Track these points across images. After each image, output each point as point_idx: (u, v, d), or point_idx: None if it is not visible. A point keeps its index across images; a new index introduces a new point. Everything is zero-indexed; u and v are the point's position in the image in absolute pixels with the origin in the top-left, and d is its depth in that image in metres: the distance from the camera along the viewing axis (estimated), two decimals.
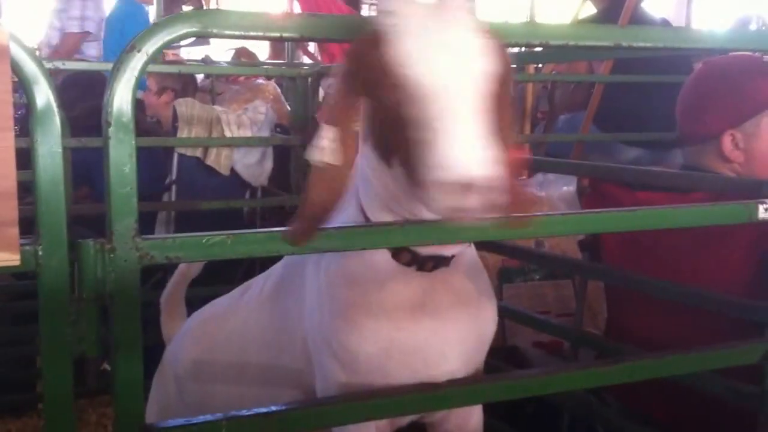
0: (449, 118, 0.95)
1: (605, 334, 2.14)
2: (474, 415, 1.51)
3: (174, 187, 3.66)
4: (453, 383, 1.29)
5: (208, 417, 1.00)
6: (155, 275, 3.59)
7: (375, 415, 1.21)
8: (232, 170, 3.71)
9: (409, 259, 1.25)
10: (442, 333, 1.32)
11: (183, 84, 4.18)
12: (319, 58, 5.23)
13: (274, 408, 1.05)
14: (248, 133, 3.68)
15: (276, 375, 1.51)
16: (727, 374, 1.49)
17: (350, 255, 1.27)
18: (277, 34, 1.05)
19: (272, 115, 3.92)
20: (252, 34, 1.05)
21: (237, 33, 1.04)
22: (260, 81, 5.02)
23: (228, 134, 3.62)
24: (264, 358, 1.53)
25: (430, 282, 1.30)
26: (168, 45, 0.98)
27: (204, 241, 0.99)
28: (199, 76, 4.83)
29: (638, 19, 3.52)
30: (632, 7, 3.37)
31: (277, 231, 1.04)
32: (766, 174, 1.83)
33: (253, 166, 3.76)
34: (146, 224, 3.52)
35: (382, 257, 1.27)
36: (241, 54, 6.10)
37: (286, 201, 3.60)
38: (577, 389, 1.91)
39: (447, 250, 1.26)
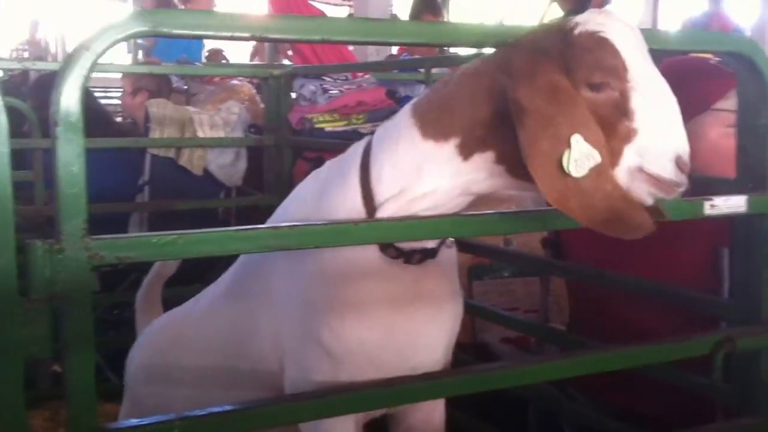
0: (672, 106, 1.14)
1: (568, 328, 2.17)
2: (438, 409, 1.53)
3: (147, 188, 3.65)
4: (423, 377, 1.31)
5: (161, 417, 1.01)
6: (130, 275, 3.59)
7: (332, 413, 1.22)
8: (206, 170, 3.71)
9: (396, 252, 1.28)
10: (429, 324, 1.37)
11: (158, 85, 4.18)
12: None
13: (228, 407, 1.06)
14: (221, 134, 3.69)
15: (237, 377, 1.50)
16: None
17: (337, 249, 1.28)
18: (228, 34, 1.06)
19: (246, 116, 3.92)
20: (202, 33, 1.06)
21: (188, 32, 1.05)
22: (235, 82, 5.01)
23: (201, 135, 3.62)
24: (223, 360, 1.52)
25: (418, 275, 1.32)
26: (117, 44, 0.99)
27: (155, 240, 1.00)
28: (173, 77, 4.83)
29: None
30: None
31: (229, 230, 1.05)
32: (709, 172, 1.86)
33: (227, 166, 3.76)
34: (119, 226, 3.53)
35: (371, 251, 1.29)
36: (213, 55, 6.12)
37: (260, 201, 3.61)
38: (540, 383, 1.95)
39: (429, 243, 1.29)
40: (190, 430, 1.02)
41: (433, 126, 1.23)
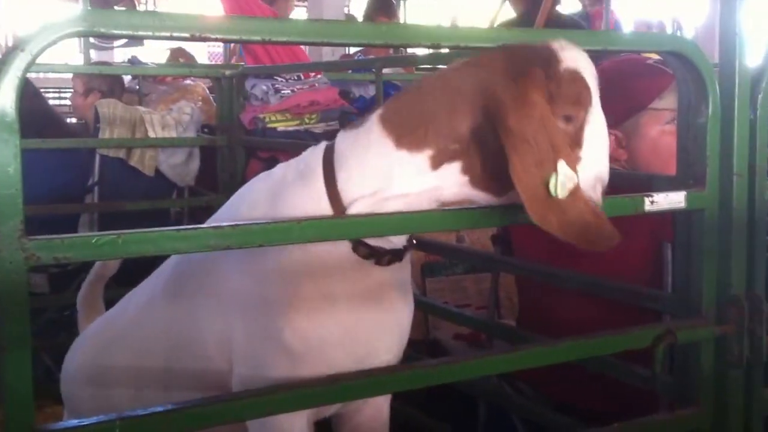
0: (605, 138, 1.29)
1: (517, 324, 2.20)
2: (384, 406, 1.55)
3: (97, 189, 3.61)
4: (370, 373, 1.32)
5: (102, 417, 1.00)
6: (80, 276, 3.55)
7: (277, 409, 1.23)
8: (158, 171, 3.68)
9: (367, 252, 1.32)
10: (388, 324, 1.40)
11: (110, 85, 4.14)
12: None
13: (170, 406, 1.06)
14: (173, 134, 3.66)
15: (178, 376, 1.49)
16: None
17: (305, 247, 1.30)
18: (167, 34, 1.06)
19: (198, 116, 3.90)
20: (141, 33, 1.06)
21: (126, 33, 1.05)
22: (188, 82, 4.98)
23: (152, 135, 3.59)
24: (164, 360, 1.51)
25: (382, 276, 1.36)
26: (53, 45, 0.98)
27: (94, 240, 0.99)
28: (127, 77, 4.78)
29: (555, 22, 3.60)
30: (548, 10, 3.45)
31: (170, 229, 1.05)
32: (650, 169, 1.91)
33: (179, 166, 3.74)
34: (70, 227, 3.49)
35: (342, 249, 1.31)
36: (177, 55, 6.05)
37: (213, 201, 3.60)
38: (491, 378, 1.98)
39: (399, 244, 1.34)
40: (132, 430, 1.01)
41: (407, 137, 1.27)
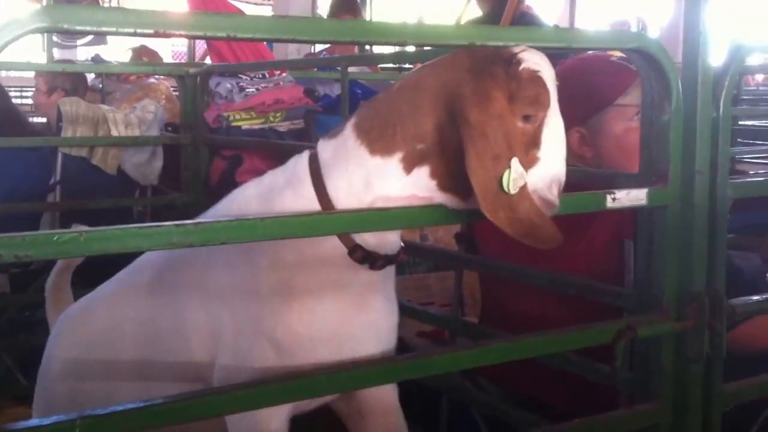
0: (562, 139, 1.32)
1: (480, 322, 2.21)
2: (395, 400, 1.58)
3: (59, 188, 3.57)
4: (335, 369, 1.33)
5: (62, 417, 0.99)
6: (42, 276, 3.51)
7: (238, 408, 1.22)
8: (120, 170, 3.65)
9: (362, 256, 1.36)
10: (374, 324, 1.44)
11: (74, 83, 4.10)
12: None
13: (131, 405, 1.05)
14: (136, 132, 3.63)
15: (158, 369, 1.50)
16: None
17: (304, 245, 1.34)
18: (131, 30, 1.05)
19: (162, 114, 3.87)
20: (105, 29, 1.05)
21: (89, 29, 1.04)
22: (152, 80, 4.94)
23: (115, 133, 3.56)
24: (144, 353, 1.52)
25: (372, 280, 1.41)
26: (16, 41, 0.97)
27: (56, 238, 0.98)
28: (90, 76, 4.74)
29: (519, 20, 3.63)
30: (514, 9, 3.47)
31: (133, 227, 1.04)
32: (614, 166, 1.93)
33: (142, 165, 3.70)
34: (30, 226, 3.44)
35: (337, 252, 1.35)
36: (141, 53, 5.99)
37: (176, 200, 3.57)
38: (453, 374, 1.99)
39: (395, 248, 1.39)
40: (92, 428, 1.00)
41: (378, 142, 1.32)
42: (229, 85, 3.31)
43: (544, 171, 1.29)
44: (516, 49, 1.28)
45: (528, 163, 1.27)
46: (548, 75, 1.28)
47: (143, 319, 1.53)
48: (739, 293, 1.64)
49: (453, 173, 1.27)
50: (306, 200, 1.35)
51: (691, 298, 1.52)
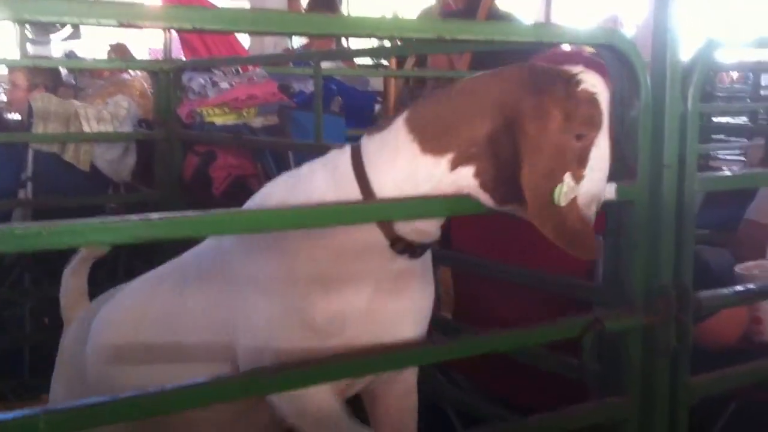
0: (607, 161, 1.37)
1: (453, 316, 2.22)
2: (414, 383, 1.62)
3: (30, 185, 3.54)
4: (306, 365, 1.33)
5: (26, 411, 0.99)
6: (11, 275, 3.49)
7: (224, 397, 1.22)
8: (93, 166, 3.62)
9: (403, 247, 1.39)
10: (409, 308, 1.48)
11: (54, 80, 4.07)
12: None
13: (97, 400, 1.05)
14: (109, 128, 3.60)
15: (193, 353, 1.54)
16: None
17: (343, 235, 1.37)
18: (93, 20, 1.05)
19: (135, 110, 3.84)
20: (67, 19, 1.04)
21: (53, 18, 1.03)
22: (126, 76, 4.91)
23: (87, 129, 3.53)
24: (197, 338, 1.55)
25: (407, 262, 1.43)
26: None
27: (18, 232, 0.97)
28: (63, 72, 4.70)
29: (493, 16, 3.65)
30: (488, 6, 3.48)
31: (96, 220, 1.03)
32: None
33: (115, 161, 3.67)
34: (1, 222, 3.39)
35: (378, 241, 1.38)
36: (116, 50, 5.95)
37: (149, 197, 3.55)
38: (427, 369, 1.99)
39: (433, 237, 1.43)
40: (56, 424, 1.00)
41: (431, 141, 1.36)
42: (202, 81, 3.29)
43: (587, 189, 1.35)
44: (576, 69, 1.35)
45: (575, 178, 1.33)
46: (604, 98, 1.34)
47: (205, 307, 1.55)
48: (707, 287, 1.66)
49: (498, 177, 1.33)
50: (348, 194, 1.38)
51: (659, 291, 1.53)
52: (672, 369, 1.59)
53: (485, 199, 1.36)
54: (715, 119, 5.57)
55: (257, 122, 3.28)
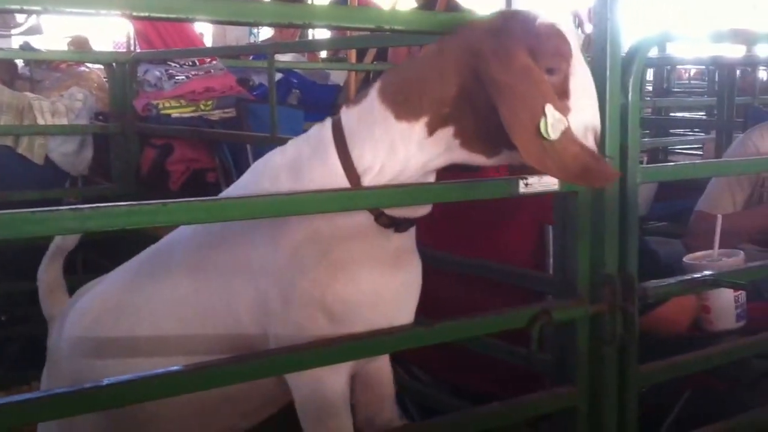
0: (592, 89, 1.35)
1: None
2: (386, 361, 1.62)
3: None
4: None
5: None
6: None
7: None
8: (48, 159, 3.56)
9: (389, 221, 1.40)
10: (407, 287, 1.50)
11: (11, 73, 4.00)
12: None
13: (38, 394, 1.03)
14: (64, 121, 3.55)
15: (200, 342, 1.52)
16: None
17: (336, 216, 1.38)
18: (39, 8, 1.04)
19: (92, 103, 3.79)
20: (10, 7, 1.03)
21: (14, 6, 1.02)
22: (84, 68, 4.84)
23: (41, 122, 3.47)
24: (189, 328, 1.53)
25: (399, 242, 1.45)
26: None
27: None
28: (19, 64, 4.62)
29: (452, 11, 3.64)
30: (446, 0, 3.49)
31: (26, 212, 1.01)
32: None
33: (71, 155, 3.61)
34: None
35: (365, 219, 1.39)
36: (76, 43, 5.86)
37: (106, 190, 3.51)
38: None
39: (419, 212, 1.43)
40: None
41: (404, 107, 1.35)
42: (157, 73, 3.26)
43: (576, 120, 1.31)
44: (532, 9, 1.33)
45: (559, 111, 1.28)
46: (566, 27, 1.32)
47: (190, 297, 1.53)
48: (657, 277, 1.67)
49: (479, 132, 1.32)
50: (332, 169, 1.38)
51: (604, 281, 1.54)
52: (620, 357, 1.60)
53: (474, 158, 1.36)
54: (673, 114, 5.65)
55: (215, 115, 3.26)
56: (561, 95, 1.30)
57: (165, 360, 1.52)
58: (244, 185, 1.53)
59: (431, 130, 1.35)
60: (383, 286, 1.44)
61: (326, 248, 1.39)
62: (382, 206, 1.37)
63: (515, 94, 1.25)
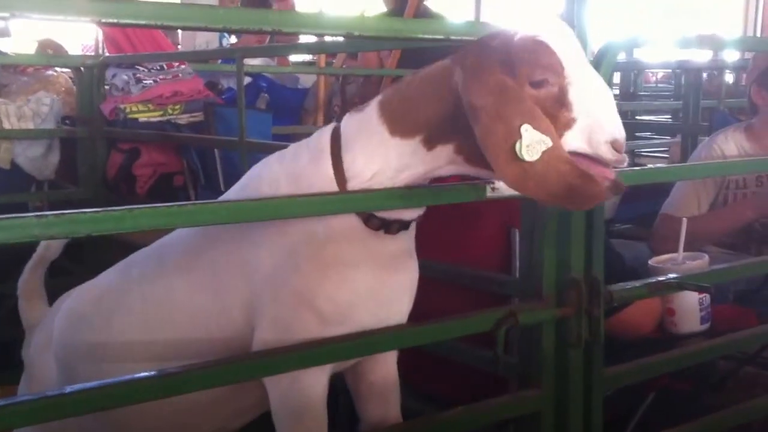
0: (606, 96, 1.29)
1: None
2: (394, 364, 1.60)
3: None
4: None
5: None
6: None
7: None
8: (14, 164, 3.52)
9: (378, 224, 1.40)
10: (400, 288, 1.50)
11: None
12: None
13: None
14: (30, 125, 3.51)
15: (201, 345, 1.51)
16: None
17: (328, 218, 1.38)
18: (6, 14, 1.04)
19: (59, 107, 3.75)
20: None
21: None
22: (51, 72, 4.80)
23: (7, 126, 3.44)
24: (183, 330, 1.52)
25: (395, 242, 1.44)
26: None
27: None
28: None
29: (422, 17, 3.67)
30: (416, 6, 3.50)
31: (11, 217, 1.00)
32: None
33: (38, 159, 3.58)
34: None
35: (356, 222, 1.39)
36: (46, 46, 5.79)
37: (73, 195, 3.48)
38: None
39: (406, 216, 1.42)
40: None
41: (399, 124, 1.36)
42: (125, 77, 3.24)
43: (584, 130, 1.26)
44: (514, 26, 1.30)
45: (562, 126, 1.26)
46: (553, 37, 1.27)
47: (184, 299, 1.53)
48: (622, 280, 1.69)
49: (479, 150, 1.27)
50: (324, 173, 1.39)
51: (570, 284, 1.56)
52: (585, 360, 1.61)
53: (478, 172, 1.36)
54: (639, 117, 5.71)
55: (183, 119, 3.25)
56: (560, 107, 1.26)
57: (157, 363, 1.50)
58: (241, 189, 1.53)
59: (430, 146, 1.35)
60: (374, 288, 1.44)
61: (319, 249, 1.40)
62: (346, 211, 1.37)
63: (488, 115, 1.22)
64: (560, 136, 1.26)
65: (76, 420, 1.31)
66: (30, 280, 1.90)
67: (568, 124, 1.26)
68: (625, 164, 1.32)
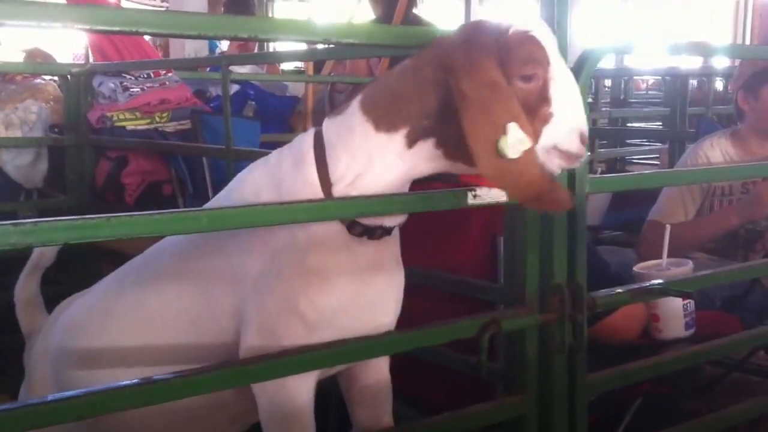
0: (576, 92, 1.32)
1: None
2: (386, 369, 1.61)
3: None
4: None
5: None
6: None
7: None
8: (2, 172, 3.52)
9: (361, 230, 1.40)
10: (385, 293, 1.50)
11: None
12: None
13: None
14: (18, 133, 3.51)
15: (193, 351, 1.51)
16: None
17: (311, 225, 1.39)
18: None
19: (47, 115, 3.75)
20: None
21: None
22: (39, 81, 4.79)
23: None
24: (174, 337, 1.53)
25: (376, 249, 1.44)
26: None
27: None
28: None
29: (411, 22, 3.68)
30: (404, 12, 3.51)
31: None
32: None
33: (26, 167, 3.58)
34: None
35: (339, 228, 1.40)
36: (34, 55, 5.78)
37: (62, 203, 3.48)
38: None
39: (388, 222, 1.43)
40: None
41: (383, 120, 1.36)
42: (112, 85, 3.23)
43: (560, 125, 1.30)
44: (506, 19, 1.32)
45: (542, 120, 1.29)
46: (542, 33, 1.31)
47: (175, 305, 1.53)
48: (606, 286, 1.69)
49: (460, 142, 1.29)
50: (307, 178, 1.40)
51: (553, 290, 1.56)
52: (569, 366, 1.62)
53: (458, 167, 1.37)
54: (630, 124, 5.73)
55: (170, 127, 3.24)
56: (542, 102, 1.30)
57: (151, 369, 1.50)
58: (227, 194, 1.54)
59: (411, 142, 1.36)
60: (358, 293, 1.44)
61: (302, 255, 1.40)
62: (327, 218, 1.37)
63: (479, 108, 1.25)
64: (539, 131, 1.29)
65: (62, 428, 1.31)
66: (26, 287, 1.90)
67: (547, 118, 1.30)
68: (585, 158, 1.36)
